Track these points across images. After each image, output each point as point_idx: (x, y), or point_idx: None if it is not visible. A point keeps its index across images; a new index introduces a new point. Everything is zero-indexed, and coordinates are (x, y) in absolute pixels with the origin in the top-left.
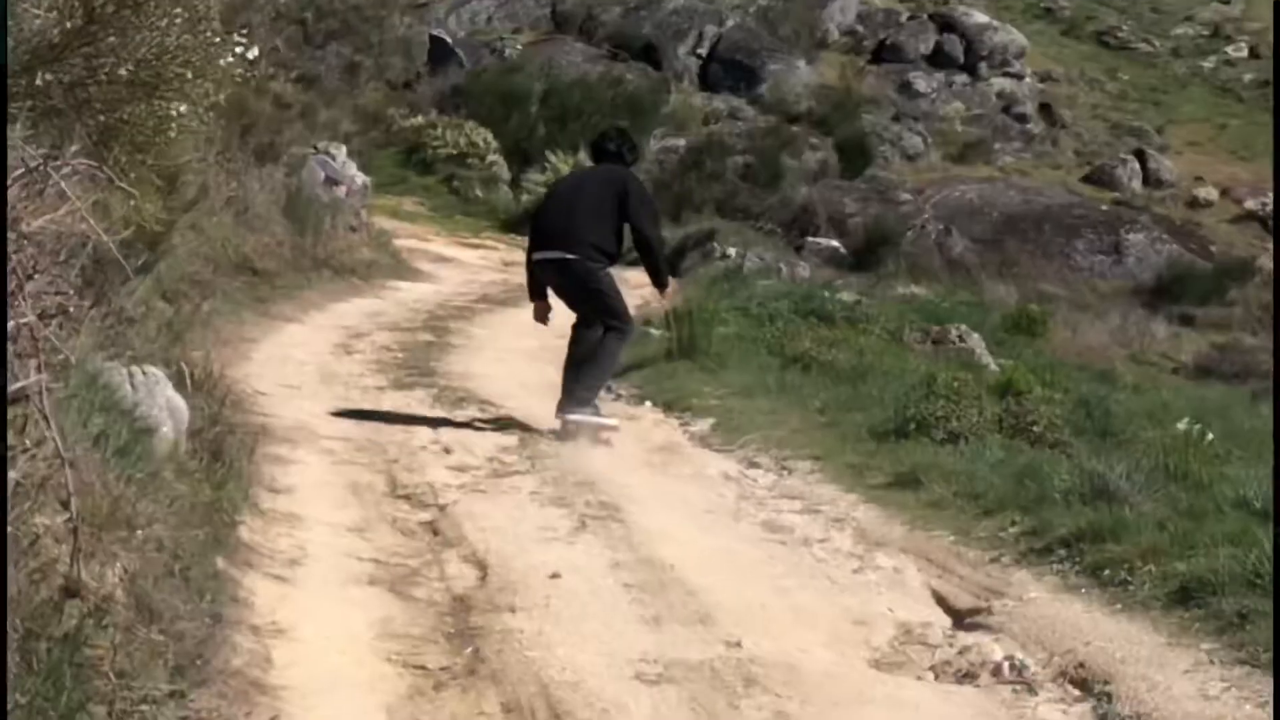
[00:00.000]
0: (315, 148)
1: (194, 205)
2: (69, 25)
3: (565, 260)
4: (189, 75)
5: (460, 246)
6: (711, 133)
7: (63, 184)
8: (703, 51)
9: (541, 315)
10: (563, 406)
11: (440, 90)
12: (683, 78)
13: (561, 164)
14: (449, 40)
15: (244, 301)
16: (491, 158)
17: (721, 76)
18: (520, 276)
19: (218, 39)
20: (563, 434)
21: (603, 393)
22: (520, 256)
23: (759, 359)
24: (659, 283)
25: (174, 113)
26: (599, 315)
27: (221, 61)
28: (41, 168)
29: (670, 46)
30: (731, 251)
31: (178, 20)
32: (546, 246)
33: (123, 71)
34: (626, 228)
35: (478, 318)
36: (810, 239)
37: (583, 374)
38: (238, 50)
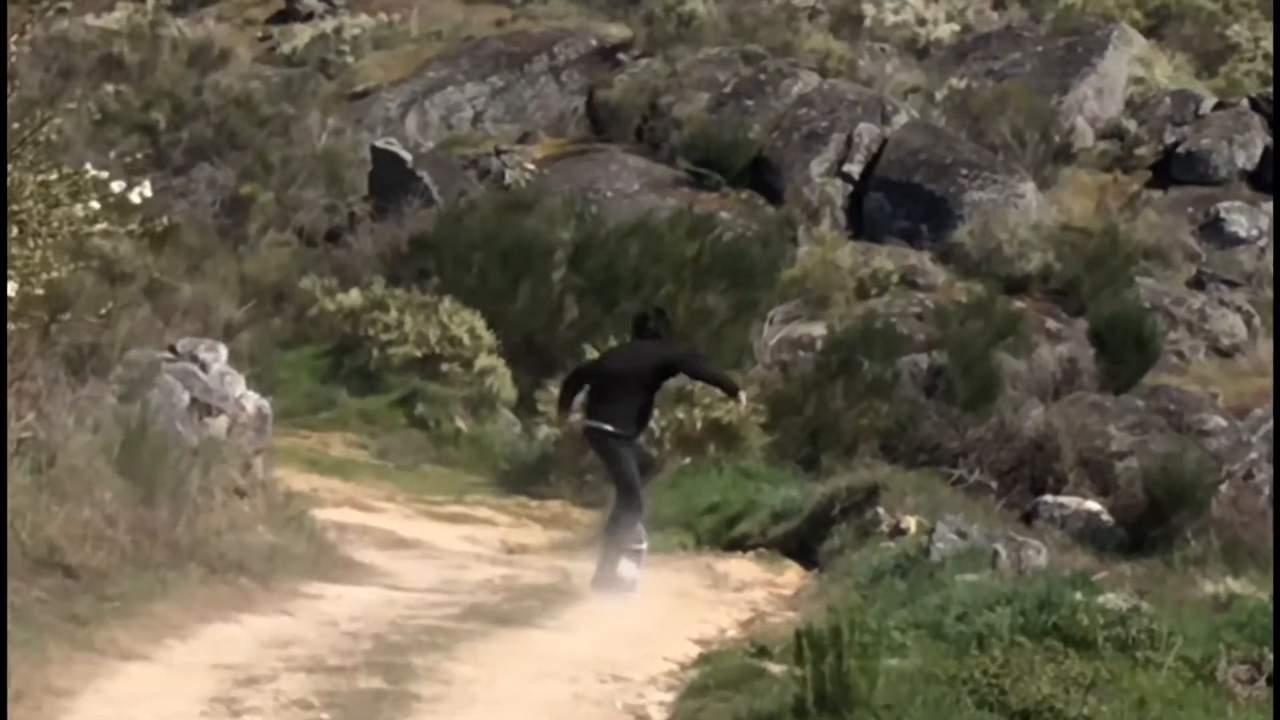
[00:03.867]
0: (173, 350)
1: None
2: None
3: (608, 432)
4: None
5: (430, 520)
6: (872, 313)
7: None
8: (854, 169)
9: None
10: (614, 566)
11: (392, 244)
12: (818, 216)
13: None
14: (406, 157)
15: (49, 623)
16: (484, 361)
17: (888, 213)
18: (534, 575)
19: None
20: (617, 587)
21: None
22: (533, 537)
23: (961, 716)
24: (732, 389)
25: None
26: (621, 483)
27: (79, 209)
28: None
29: (797, 162)
30: (909, 522)
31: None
32: (597, 417)
33: None
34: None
35: (461, 647)
36: (1049, 499)
37: (622, 542)
38: (114, 187)
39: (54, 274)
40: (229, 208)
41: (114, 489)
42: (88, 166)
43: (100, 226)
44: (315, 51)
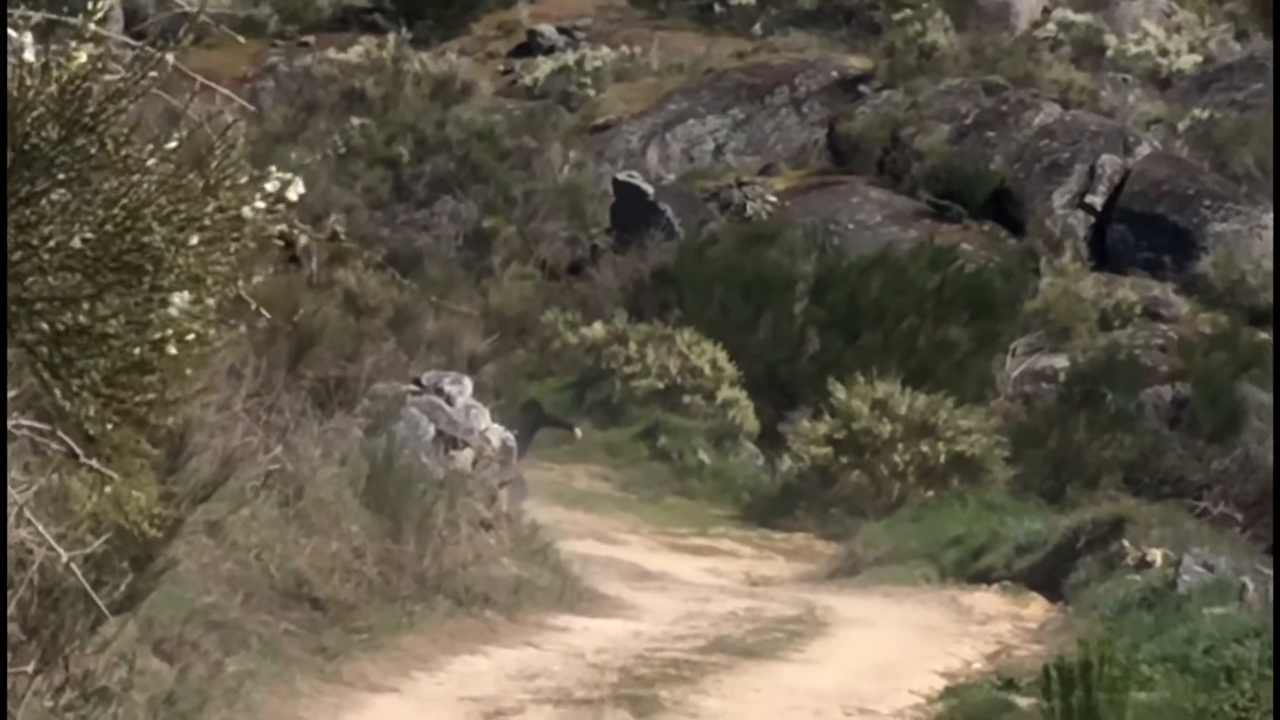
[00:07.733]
0: (418, 383)
1: (213, 491)
2: None
3: None
4: (191, 239)
5: (674, 552)
6: (1114, 344)
7: None
8: (1096, 200)
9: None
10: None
11: (634, 277)
12: (1061, 247)
13: (860, 403)
14: (648, 190)
15: (298, 656)
16: (726, 393)
17: (1130, 244)
18: (778, 608)
19: (241, 177)
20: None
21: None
22: (777, 570)
23: None
24: None
25: (171, 311)
26: None
27: (246, 210)
28: None
29: (1039, 193)
30: (1155, 555)
31: (169, 148)
32: None
33: (76, 242)
34: None
35: (707, 679)
36: None
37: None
38: (267, 187)
39: (255, 279)
40: (471, 241)
41: (360, 522)
42: (272, 169)
43: (279, 228)
44: (556, 84)
